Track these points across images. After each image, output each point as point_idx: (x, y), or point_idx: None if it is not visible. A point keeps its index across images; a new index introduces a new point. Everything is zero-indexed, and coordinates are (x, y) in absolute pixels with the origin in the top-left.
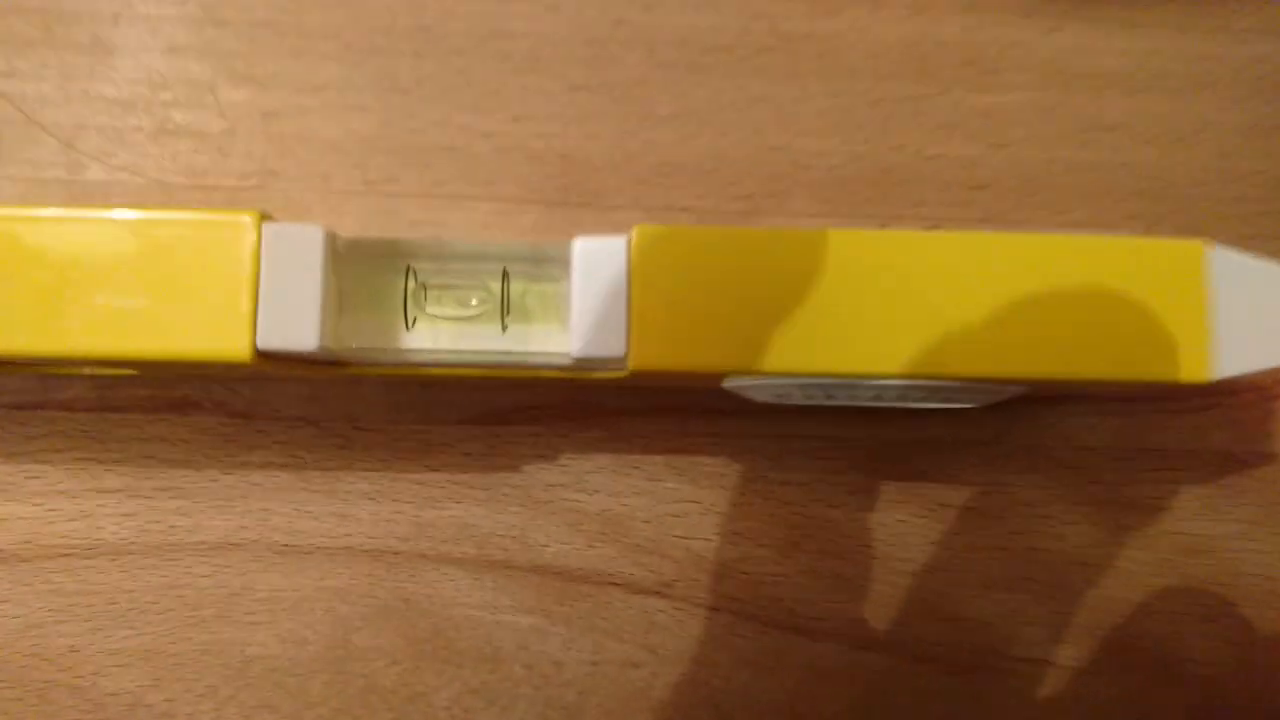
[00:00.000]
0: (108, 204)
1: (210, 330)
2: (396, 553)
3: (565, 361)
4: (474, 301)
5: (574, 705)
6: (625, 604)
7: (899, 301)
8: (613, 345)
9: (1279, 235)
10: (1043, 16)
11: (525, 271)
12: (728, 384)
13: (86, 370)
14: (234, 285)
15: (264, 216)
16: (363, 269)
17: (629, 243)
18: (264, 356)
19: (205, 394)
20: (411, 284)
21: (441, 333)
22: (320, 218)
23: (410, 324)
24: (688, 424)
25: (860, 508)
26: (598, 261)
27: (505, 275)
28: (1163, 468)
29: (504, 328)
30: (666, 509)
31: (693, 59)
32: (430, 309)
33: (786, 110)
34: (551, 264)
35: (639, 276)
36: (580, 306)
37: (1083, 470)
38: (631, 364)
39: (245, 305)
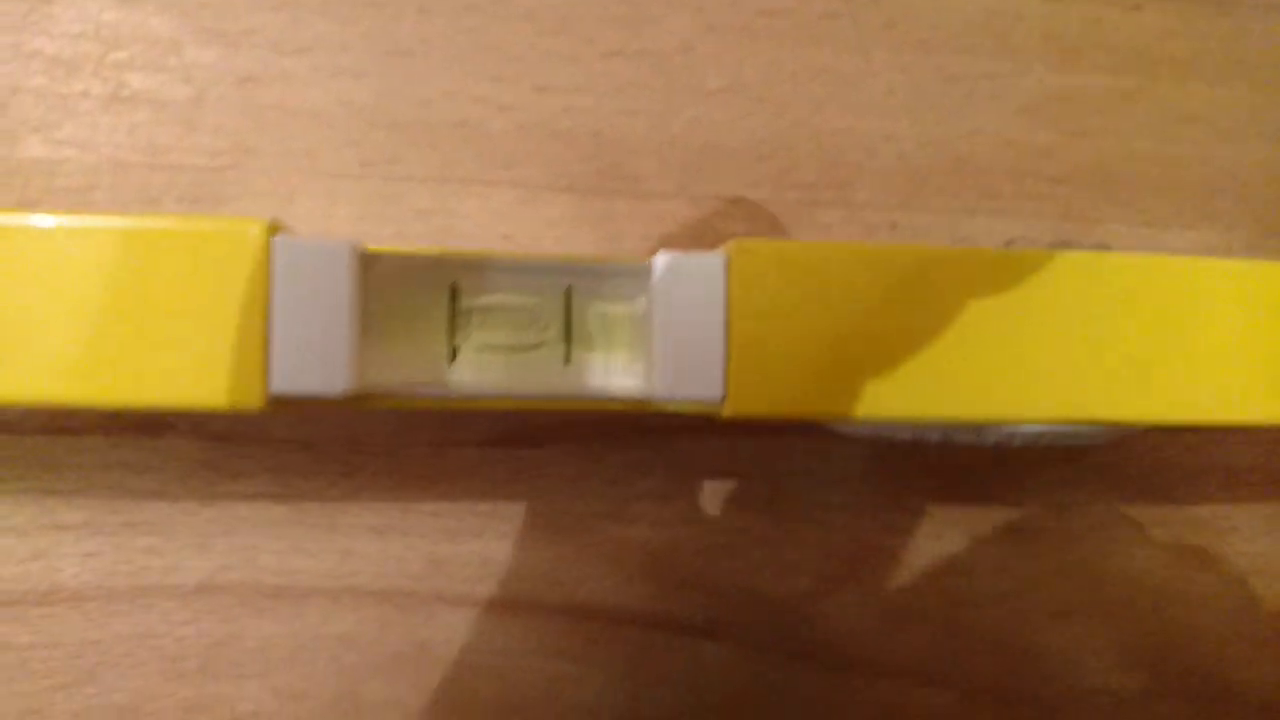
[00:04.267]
0: (50, 191)
1: (208, 373)
2: (409, 594)
3: (641, 399)
4: (533, 331)
5: None
6: (669, 646)
7: (1041, 333)
8: (707, 386)
9: None
10: None
11: (588, 288)
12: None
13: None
14: (238, 315)
15: (274, 227)
16: (394, 287)
17: (726, 261)
18: (278, 402)
19: (179, 414)
20: (454, 305)
21: (491, 366)
22: (306, 205)
23: (453, 355)
24: (738, 444)
25: (925, 534)
26: (687, 282)
27: (569, 295)
28: (1231, 485)
29: (567, 359)
30: (715, 540)
31: (746, 22)
32: (477, 336)
33: (851, 86)
34: (620, 280)
35: (740, 302)
36: (664, 337)
37: (1154, 490)
38: (730, 409)
39: (253, 341)
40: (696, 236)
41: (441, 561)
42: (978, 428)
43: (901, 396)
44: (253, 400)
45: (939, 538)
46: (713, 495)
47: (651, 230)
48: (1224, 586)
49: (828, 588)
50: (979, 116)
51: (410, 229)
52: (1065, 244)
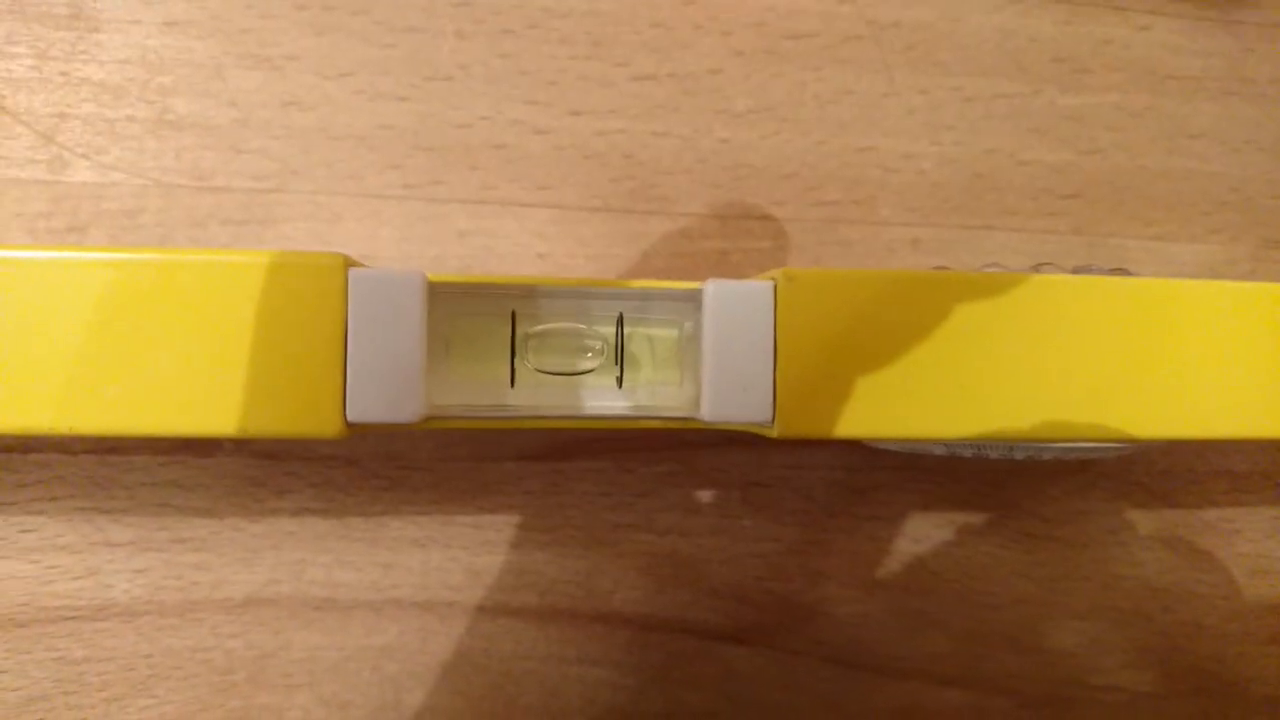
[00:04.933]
0: (99, 214)
1: (288, 401)
2: (450, 604)
3: (691, 418)
4: (588, 355)
5: None
6: (701, 652)
7: (1070, 355)
8: (758, 410)
9: None
10: (1136, 12)
11: (638, 313)
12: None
13: None
14: (316, 346)
15: (350, 261)
16: (456, 315)
17: (774, 288)
18: (354, 428)
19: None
20: (514, 332)
21: (549, 388)
22: (351, 226)
23: (513, 379)
24: (767, 456)
25: (947, 541)
26: (736, 309)
27: (620, 320)
28: (1234, 490)
29: (620, 382)
30: (744, 549)
31: (772, 46)
32: (534, 360)
33: (873, 106)
34: (669, 304)
35: (787, 328)
36: (715, 362)
37: (1162, 495)
38: (779, 430)
39: (332, 371)
40: (725, 253)
41: (480, 572)
42: (1010, 447)
43: (941, 417)
44: (332, 429)
45: (959, 544)
46: (741, 506)
47: (682, 248)
48: (1230, 587)
49: (854, 594)
50: (994, 136)
51: (451, 249)
52: (1086, 268)
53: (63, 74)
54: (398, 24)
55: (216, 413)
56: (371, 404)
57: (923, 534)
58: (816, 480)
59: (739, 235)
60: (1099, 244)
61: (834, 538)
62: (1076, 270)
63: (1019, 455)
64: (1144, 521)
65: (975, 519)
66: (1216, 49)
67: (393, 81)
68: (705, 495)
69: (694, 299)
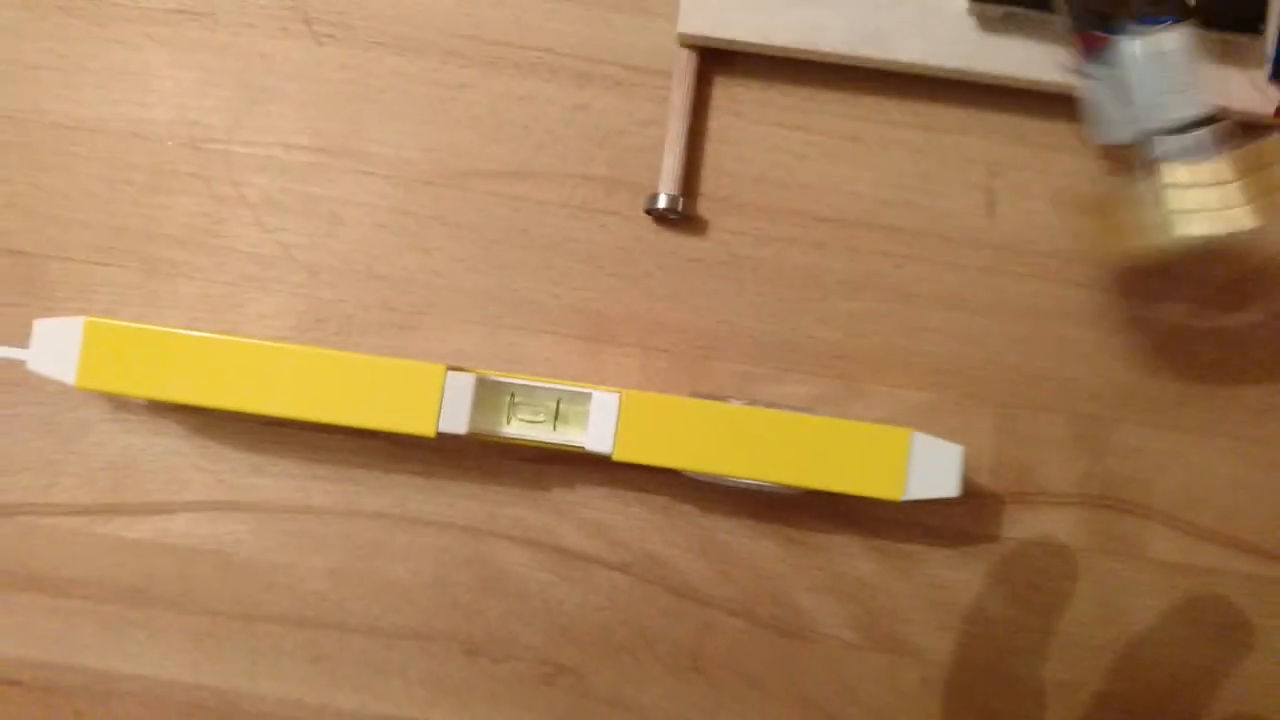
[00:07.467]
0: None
1: (416, 418)
2: (483, 531)
3: (583, 447)
4: (541, 416)
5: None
6: (604, 576)
7: (746, 442)
8: (607, 446)
9: (1025, 403)
10: (895, 259)
11: (568, 398)
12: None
13: None
14: (427, 399)
15: (452, 367)
16: (486, 392)
17: (620, 399)
18: (441, 435)
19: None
20: (507, 400)
21: (524, 428)
22: (457, 338)
23: (508, 422)
24: (655, 474)
25: (745, 537)
26: (603, 402)
27: (559, 400)
28: (926, 535)
29: (555, 428)
30: (644, 517)
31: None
32: (517, 414)
33: (726, 298)
34: (581, 398)
35: (624, 414)
36: (594, 422)
37: (873, 529)
38: (616, 457)
39: (432, 408)
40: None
41: (498, 516)
42: (725, 480)
43: (705, 460)
44: (430, 431)
45: (750, 540)
46: (640, 491)
47: (624, 363)
48: (916, 598)
49: (697, 556)
50: (797, 322)
51: (503, 355)
52: (753, 401)
53: (321, 244)
54: (480, 241)
55: (382, 417)
56: (449, 424)
57: (729, 529)
58: (684, 497)
59: (655, 393)
60: (855, 389)
61: (687, 526)
62: (751, 403)
63: (735, 487)
64: (858, 543)
65: (758, 527)
66: (952, 280)
67: (478, 270)
68: (617, 489)
69: (589, 398)
